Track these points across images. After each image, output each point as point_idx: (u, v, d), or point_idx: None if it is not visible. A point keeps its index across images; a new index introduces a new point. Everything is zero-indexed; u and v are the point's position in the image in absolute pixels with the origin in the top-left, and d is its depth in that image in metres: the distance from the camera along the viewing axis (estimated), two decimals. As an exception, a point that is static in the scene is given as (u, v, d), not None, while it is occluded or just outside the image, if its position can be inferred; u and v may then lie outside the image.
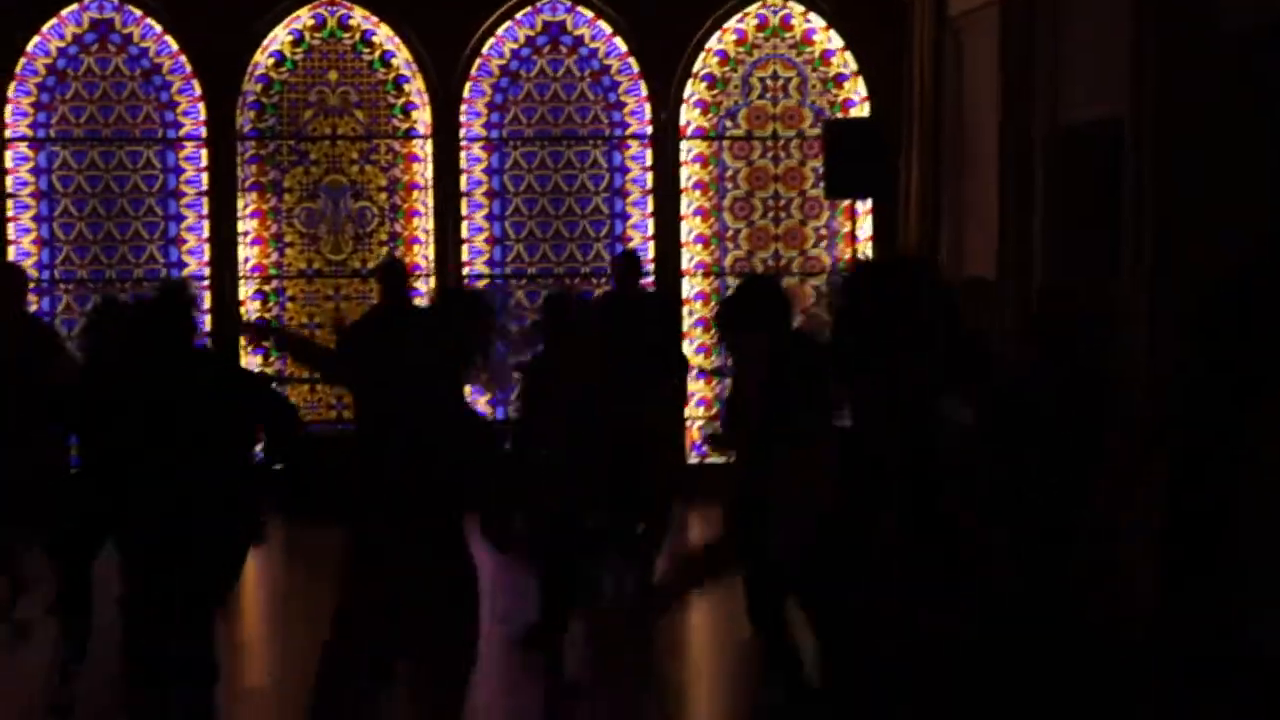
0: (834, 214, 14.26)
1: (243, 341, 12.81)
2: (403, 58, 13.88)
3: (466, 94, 13.93)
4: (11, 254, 13.28)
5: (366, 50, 13.92)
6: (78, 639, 8.03)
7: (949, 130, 13.27)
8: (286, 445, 7.06)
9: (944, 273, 12.96)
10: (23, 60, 13.57)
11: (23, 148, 13.62)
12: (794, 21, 14.22)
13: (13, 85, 13.53)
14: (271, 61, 13.84)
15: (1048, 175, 10.80)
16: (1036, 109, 10.93)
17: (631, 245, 13.66)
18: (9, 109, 13.54)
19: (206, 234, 13.75)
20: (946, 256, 13.33)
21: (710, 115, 14.20)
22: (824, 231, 14.32)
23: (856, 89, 14.22)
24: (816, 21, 14.20)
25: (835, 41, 14.19)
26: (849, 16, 14.08)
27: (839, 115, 14.12)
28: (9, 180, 13.55)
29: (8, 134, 13.55)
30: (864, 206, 13.96)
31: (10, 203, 13.54)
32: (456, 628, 5.42)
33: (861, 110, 14.17)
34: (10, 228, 13.51)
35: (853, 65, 14.20)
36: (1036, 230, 10.96)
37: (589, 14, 14.03)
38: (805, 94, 14.26)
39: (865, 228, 14.09)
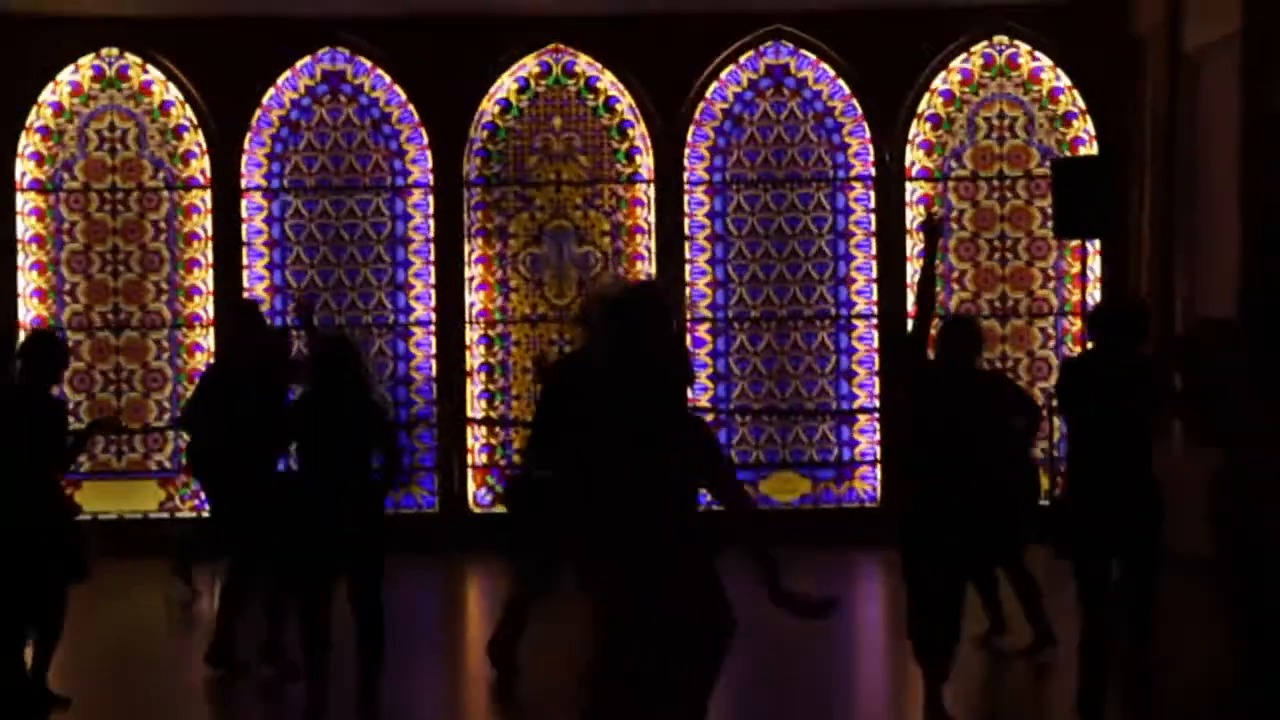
0: (1062, 254, 14.00)
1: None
2: (626, 103, 13.96)
3: (690, 138, 13.97)
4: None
5: (590, 96, 14.03)
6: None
7: (1183, 166, 12.95)
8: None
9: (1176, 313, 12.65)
10: (259, 112, 13.91)
11: (257, 197, 13.96)
12: (1020, 60, 14.02)
13: (249, 136, 13.88)
14: (497, 109, 14.02)
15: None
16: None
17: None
18: (245, 159, 13.89)
19: (433, 279, 13.94)
20: (1181, 297, 12.99)
21: (935, 156, 14.05)
22: (1051, 272, 14.06)
23: (1085, 127, 13.97)
24: (1044, 59, 13.99)
25: (1063, 79, 13.97)
26: (1077, 54, 13.85)
27: (1067, 154, 13.87)
28: (244, 229, 13.88)
29: (243, 183, 13.89)
30: (1093, 246, 13.68)
31: (245, 250, 13.87)
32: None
33: (1090, 149, 13.90)
34: (245, 275, 13.82)
35: (1081, 103, 13.95)
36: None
37: (812, 56, 13.99)
38: (1032, 133, 14.04)
39: (1094, 267, 13.80)
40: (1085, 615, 7.59)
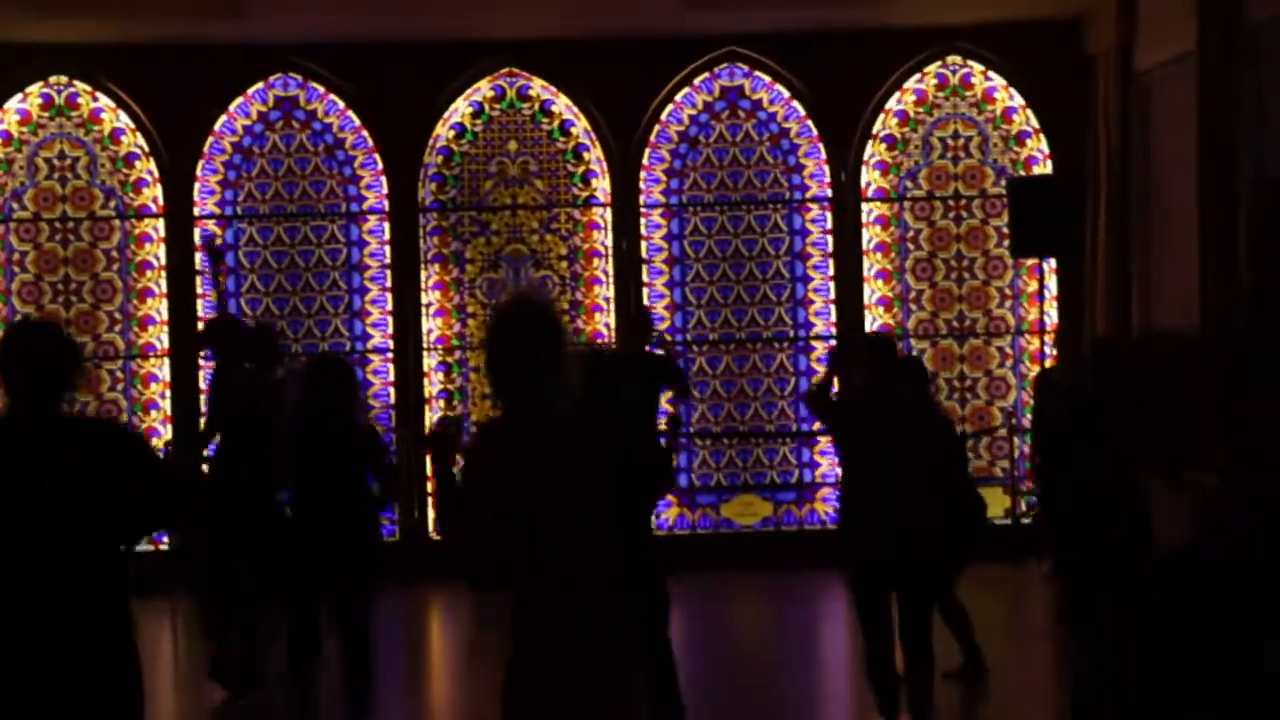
0: (1018, 273, 14.03)
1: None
2: (582, 126, 13.93)
3: (646, 161, 13.94)
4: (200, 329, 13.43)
5: (546, 120, 13.99)
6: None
7: (1138, 185, 13.01)
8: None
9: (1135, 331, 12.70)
10: (211, 139, 13.80)
11: (210, 225, 13.83)
12: (974, 80, 14.06)
13: (201, 164, 13.77)
14: (452, 134, 13.96)
15: (1251, 228, 10.51)
16: (1238, 161, 10.65)
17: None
18: (197, 186, 13.77)
19: (390, 306, 13.85)
20: (1137, 314, 13.05)
21: (891, 176, 14.06)
22: (1008, 291, 14.09)
23: (1039, 146, 14.01)
24: (997, 79, 14.03)
25: (1016, 99, 14.01)
26: (1029, 74, 13.90)
27: (1022, 173, 13.92)
28: (197, 258, 13.75)
29: (197, 211, 13.77)
30: (1050, 265, 13.72)
31: (199, 279, 13.74)
32: None
33: (1044, 168, 13.96)
34: (199, 303, 13.70)
35: (1034, 122, 14.00)
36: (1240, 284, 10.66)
37: (767, 78, 13.99)
38: (987, 153, 14.08)
39: (1051, 286, 13.84)
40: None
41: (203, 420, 11.22)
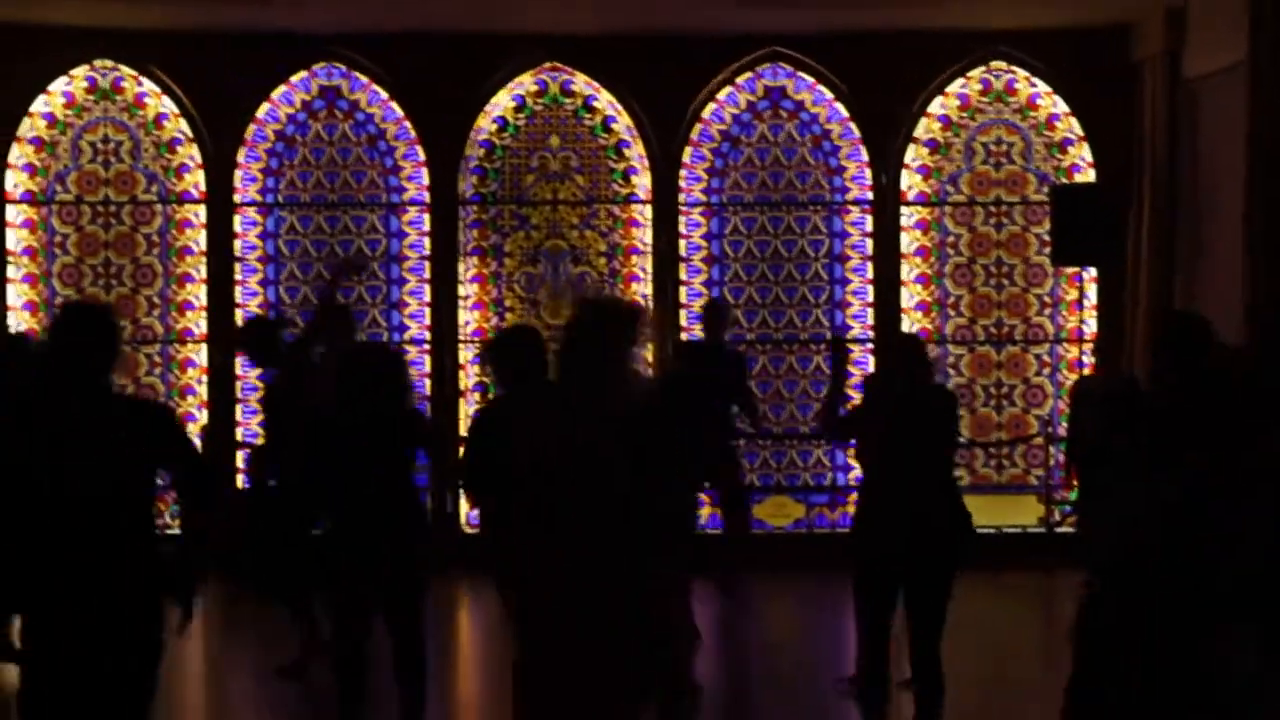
0: (1058, 281, 13.98)
1: None
2: (624, 123, 13.92)
3: (687, 159, 13.92)
4: (239, 317, 13.48)
5: (588, 116, 13.98)
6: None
7: (1184, 195, 12.96)
8: None
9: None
10: (253, 127, 13.83)
11: (251, 212, 13.87)
12: (1018, 86, 14.01)
13: (243, 151, 13.80)
14: (494, 127, 13.96)
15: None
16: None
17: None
18: (239, 174, 13.80)
19: (428, 298, 13.86)
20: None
21: (932, 180, 14.02)
22: (1047, 299, 14.04)
23: (1082, 154, 13.95)
24: (1041, 86, 13.98)
25: (1060, 106, 13.95)
26: (1075, 80, 13.85)
27: (1064, 181, 13.86)
28: (237, 244, 13.79)
29: (238, 198, 13.80)
30: (1090, 274, 13.66)
31: (239, 266, 13.78)
32: None
33: (1087, 176, 13.90)
34: (238, 290, 13.73)
35: (1078, 130, 13.94)
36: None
37: (810, 79, 13.96)
38: (1029, 159, 14.03)
39: (1091, 295, 13.79)
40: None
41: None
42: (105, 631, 5.31)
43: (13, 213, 13.76)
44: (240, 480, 12.88)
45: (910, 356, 7.93)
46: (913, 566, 7.62)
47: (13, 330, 13.21)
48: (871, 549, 7.68)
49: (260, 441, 13.27)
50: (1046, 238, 13.60)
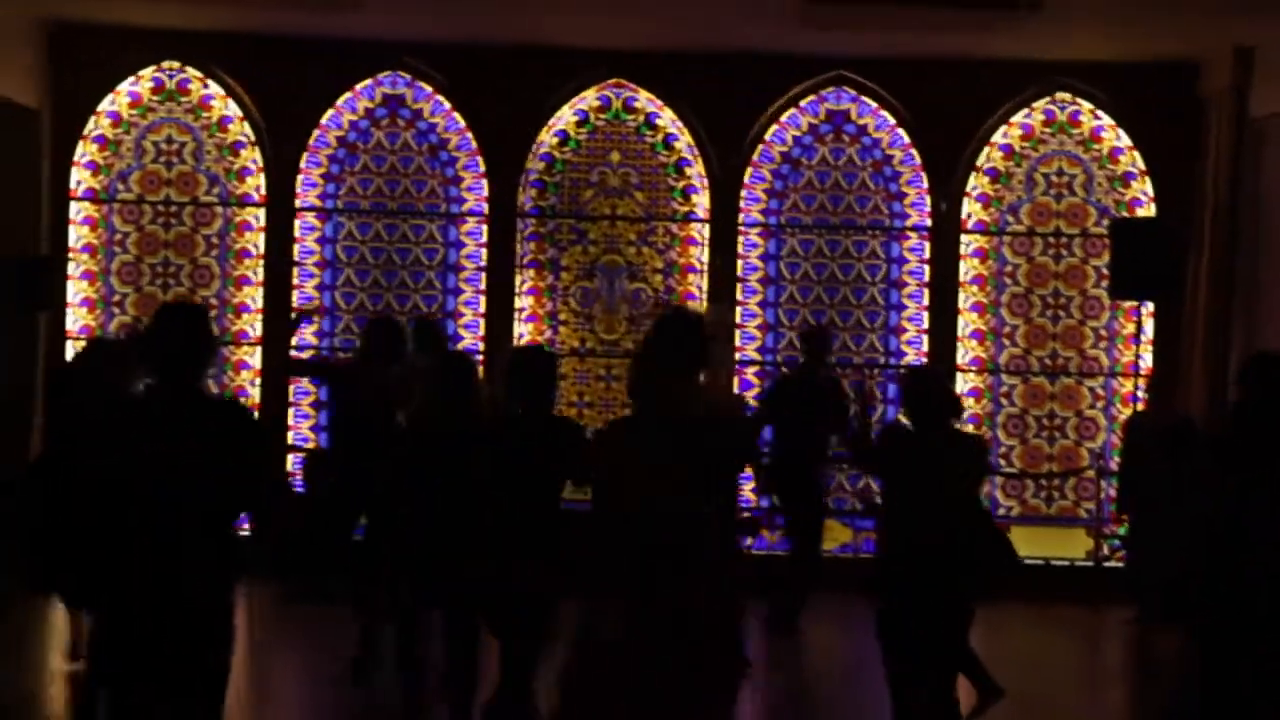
0: (1114, 314, 13.92)
1: None
2: (685, 141, 13.93)
3: (747, 179, 13.92)
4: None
5: (650, 133, 14.00)
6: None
7: (1245, 233, 12.89)
8: None
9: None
10: (316, 132, 13.89)
11: (310, 217, 13.93)
12: (1082, 118, 13.96)
13: (305, 156, 13.86)
14: (556, 141, 13.99)
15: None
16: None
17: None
18: (300, 178, 13.87)
19: (483, 309, 13.89)
20: (1237, 362, 12.91)
21: (992, 210, 13.99)
22: (1103, 332, 13.98)
23: (1144, 188, 13.89)
24: (1105, 119, 13.93)
25: (1124, 139, 13.90)
26: (1138, 115, 13.79)
27: (1125, 214, 13.80)
28: (295, 249, 13.86)
29: (298, 203, 13.87)
30: (1147, 309, 13.60)
31: (296, 270, 13.84)
32: None
33: (1148, 210, 13.84)
34: (295, 295, 13.79)
35: (1141, 164, 13.88)
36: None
37: (873, 104, 13.94)
38: (1090, 191, 13.98)
39: (1147, 330, 13.72)
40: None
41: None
42: (179, 621, 5.50)
43: (74, 209, 13.86)
44: (294, 484, 12.92)
45: (925, 402, 7.59)
46: (927, 607, 7.43)
47: (95, 336, 13.38)
48: (894, 593, 7.51)
49: (312, 446, 13.36)
50: (1105, 270, 13.54)
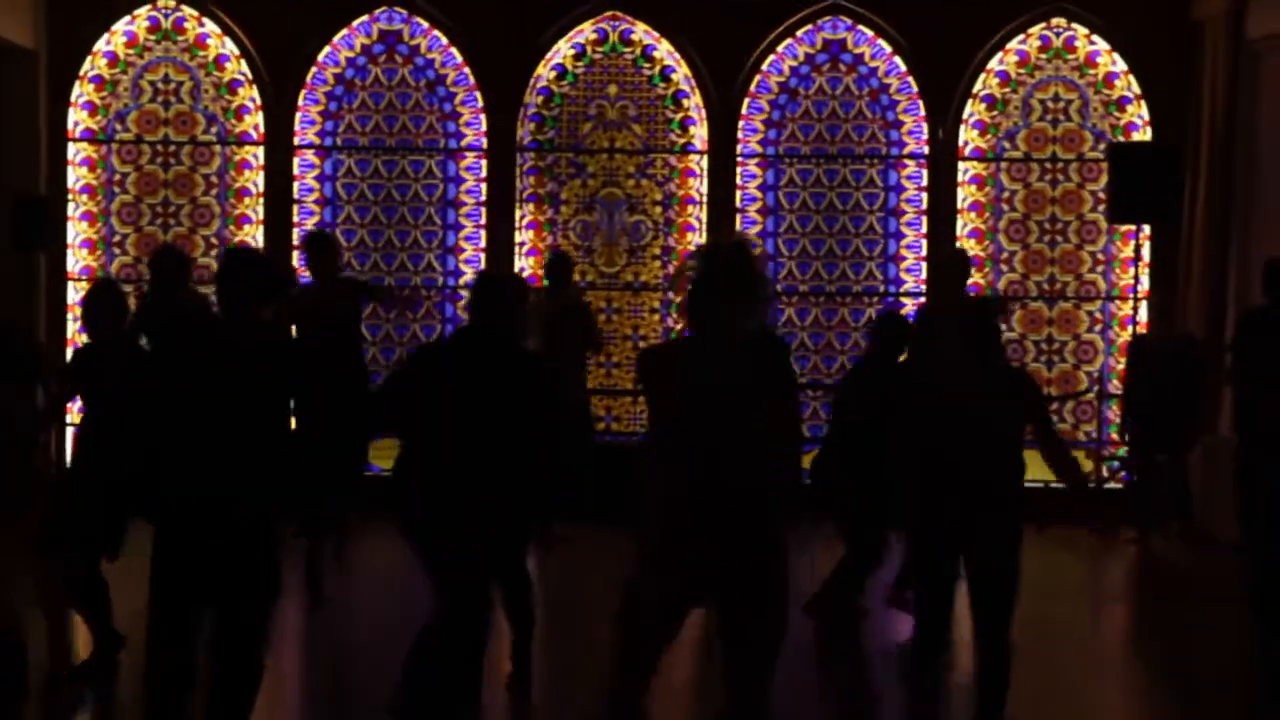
0: (1111, 238, 14.00)
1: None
2: (682, 73, 13.95)
3: (745, 110, 13.95)
4: (295, 258, 13.56)
5: (647, 65, 14.01)
6: None
7: (1242, 155, 12.96)
8: None
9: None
10: (313, 70, 13.89)
11: (310, 155, 13.94)
12: (1077, 44, 14.01)
13: (303, 94, 13.86)
14: (553, 74, 14.00)
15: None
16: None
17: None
18: (298, 116, 13.87)
19: (483, 244, 13.93)
20: (1235, 285, 13.04)
21: (988, 136, 14.03)
22: (1101, 256, 14.06)
23: (1139, 113, 13.95)
24: (1100, 44, 13.97)
25: (1119, 64, 13.94)
26: (1134, 39, 13.84)
27: (1121, 139, 13.87)
28: (295, 186, 13.87)
29: (296, 141, 13.87)
30: (1144, 232, 13.67)
31: (296, 208, 13.86)
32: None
33: (1144, 134, 13.90)
34: (295, 232, 13.81)
35: (1136, 89, 13.93)
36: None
37: (869, 32, 13.97)
38: (1086, 117, 14.03)
39: (1144, 253, 13.80)
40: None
41: None
42: (228, 539, 5.99)
43: (73, 150, 13.85)
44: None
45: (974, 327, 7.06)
46: (973, 533, 6.97)
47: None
48: (931, 513, 7.06)
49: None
50: (1101, 195, 13.62)
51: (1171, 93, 13.67)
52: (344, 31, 13.92)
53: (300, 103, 13.87)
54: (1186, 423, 12.56)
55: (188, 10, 13.89)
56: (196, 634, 6.04)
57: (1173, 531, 12.69)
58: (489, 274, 8.49)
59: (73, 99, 13.81)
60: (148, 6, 13.87)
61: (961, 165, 13.98)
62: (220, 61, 13.93)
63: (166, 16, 13.91)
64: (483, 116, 13.93)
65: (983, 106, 14.02)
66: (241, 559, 5.96)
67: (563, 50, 13.98)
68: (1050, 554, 12.22)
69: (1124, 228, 13.76)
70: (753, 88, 13.96)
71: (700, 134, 13.97)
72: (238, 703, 6.10)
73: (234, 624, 6.04)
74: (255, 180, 13.92)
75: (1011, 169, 14.04)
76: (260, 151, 13.90)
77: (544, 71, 13.97)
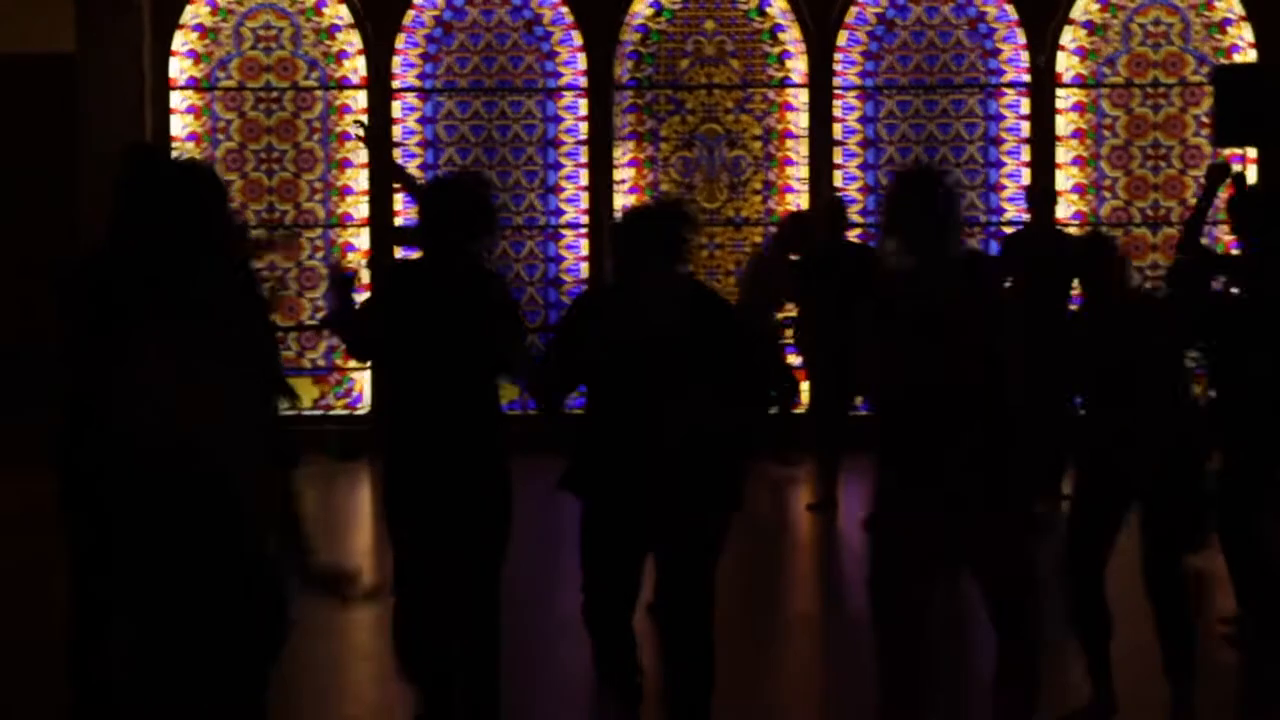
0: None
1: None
2: (779, 6, 13.93)
3: (843, 42, 13.91)
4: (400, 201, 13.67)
5: (743, 0, 14.00)
6: None
7: (1350, 75, 12.78)
8: None
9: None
10: (411, 13, 13.97)
11: (410, 98, 14.03)
12: (1178, -35, 13.88)
13: (402, 37, 13.95)
14: (650, 11, 14.01)
15: None
16: None
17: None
18: (398, 60, 13.96)
19: (584, 182, 14.00)
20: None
21: (1089, 62, 13.93)
22: (1204, 180, 13.91)
23: (1242, 34, 13.81)
24: (1201, -35, 13.84)
25: (1221, -14, 13.81)
26: (1236, -40, 13.69)
27: (1224, 61, 13.73)
28: (397, 129, 13.97)
29: (396, 84, 13.97)
30: (1250, 154, 13.54)
31: (398, 151, 13.97)
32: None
33: (1245, 56, 13.76)
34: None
35: (1239, 10, 13.78)
36: None
37: (967, -40, 13.90)
38: (1188, 40, 13.90)
39: (1250, 176, 13.67)
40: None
41: None
42: (461, 481, 5.90)
43: (177, 99, 14.01)
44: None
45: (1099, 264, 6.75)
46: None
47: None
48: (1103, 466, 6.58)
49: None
50: (1204, 119, 13.51)
51: (1276, 13, 13.51)
52: (442, -26, 14.00)
53: (399, 45, 13.95)
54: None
55: (286, -44, 14.00)
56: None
57: None
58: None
59: (175, 47, 13.96)
60: (247, -46, 13.99)
61: (1061, 92, 13.90)
62: (319, 6, 14.04)
63: (266, -37, 14.04)
64: (580, 55, 13.97)
65: (1082, 32, 13.91)
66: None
67: (659, -14, 14.00)
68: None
69: (1228, 151, 13.62)
70: (850, 19, 13.92)
71: (798, 67, 13.95)
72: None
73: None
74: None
75: (1113, 95, 13.95)
76: (361, 95, 14.01)
77: (640, 8, 13.99)
